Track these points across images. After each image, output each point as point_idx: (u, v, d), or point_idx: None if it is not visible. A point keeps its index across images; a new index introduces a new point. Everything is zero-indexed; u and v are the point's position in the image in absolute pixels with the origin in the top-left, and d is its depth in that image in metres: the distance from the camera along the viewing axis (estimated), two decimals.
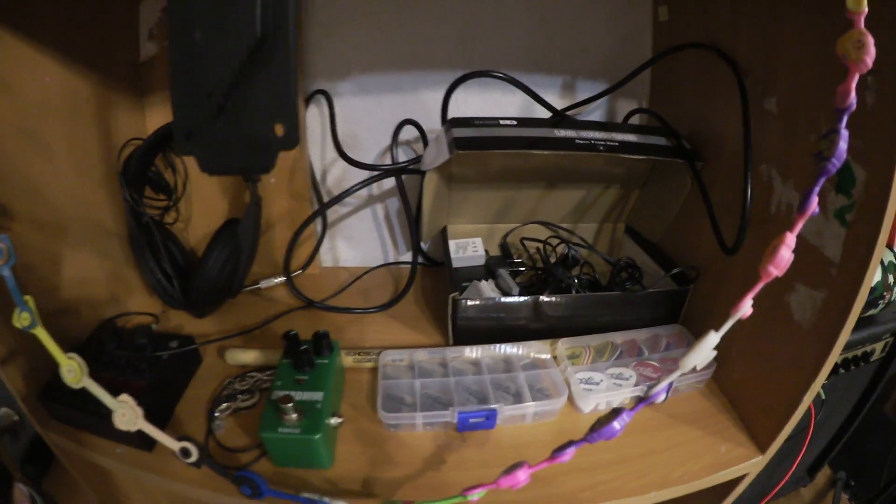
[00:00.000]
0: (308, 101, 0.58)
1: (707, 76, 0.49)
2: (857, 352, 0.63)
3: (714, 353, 0.29)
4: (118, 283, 0.55)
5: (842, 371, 0.62)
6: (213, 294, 0.51)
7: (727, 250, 0.43)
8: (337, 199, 0.56)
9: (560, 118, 0.51)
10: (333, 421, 0.39)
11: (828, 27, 0.36)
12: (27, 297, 0.37)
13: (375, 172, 0.56)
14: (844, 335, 0.36)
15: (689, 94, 0.53)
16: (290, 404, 0.37)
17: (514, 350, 0.46)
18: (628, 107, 0.59)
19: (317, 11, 0.55)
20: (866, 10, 0.24)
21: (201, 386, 0.48)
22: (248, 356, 0.48)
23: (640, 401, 0.31)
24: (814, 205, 0.27)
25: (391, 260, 0.68)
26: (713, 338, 0.29)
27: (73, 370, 0.38)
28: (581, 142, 0.45)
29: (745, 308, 0.28)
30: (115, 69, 0.55)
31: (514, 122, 0.45)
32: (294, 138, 0.21)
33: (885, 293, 0.56)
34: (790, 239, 0.27)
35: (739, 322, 0.28)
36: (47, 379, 0.46)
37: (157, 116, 0.57)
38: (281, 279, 0.60)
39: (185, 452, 0.37)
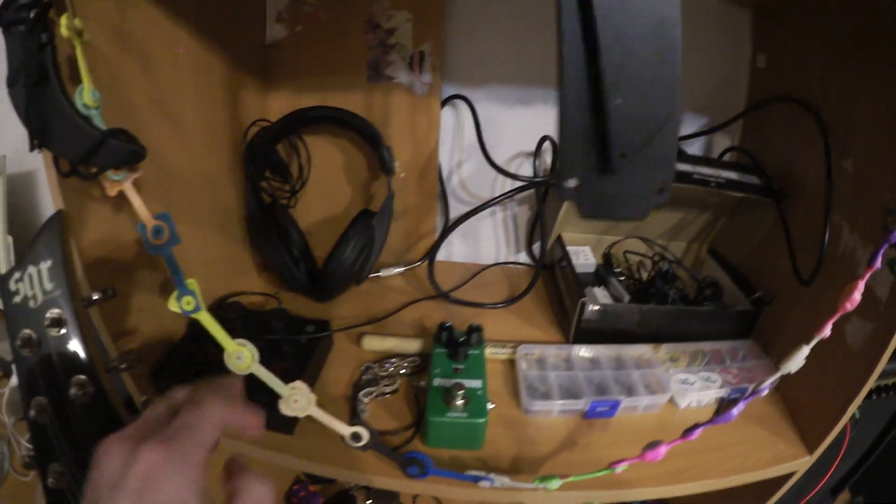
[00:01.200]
0: (444, 104, 0.81)
1: (795, 125, 0.76)
2: (888, 381, 0.94)
3: (804, 361, 0.56)
4: (234, 263, 0.75)
5: (874, 396, 0.93)
6: (344, 280, 0.73)
7: (803, 282, 0.71)
8: (484, 206, 0.80)
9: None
10: (488, 406, 0.61)
11: None
12: (190, 281, 0.46)
13: (519, 183, 0.80)
14: (884, 360, 0.62)
15: (777, 138, 0.81)
16: (462, 391, 0.58)
17: (625, 351, 0.72)
18: (722, 140, 0.87)
19: (458, 18, 0.78)
20: None
21: (333, 370, 0.69)
22: (386, 343, 0.70)
23: (730, 404, 0.57)
24: (878, 262, 0.54)
25: (501, 259, 0.94)
26: (805, 350, 0.56)
27: (242, 356, 0.47)
28: (697, 177, 0.72)
29: (826, 331, 0.56)
30: (244, 49, 0.74)
31: None
32: (669, 193, 0.37)
33: None
34: (861, 285, 0.54)
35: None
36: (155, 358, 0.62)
37: (281, 99, 0.77)
38: (400, 269, 0.84)
39: (356, 437, 0.53)
